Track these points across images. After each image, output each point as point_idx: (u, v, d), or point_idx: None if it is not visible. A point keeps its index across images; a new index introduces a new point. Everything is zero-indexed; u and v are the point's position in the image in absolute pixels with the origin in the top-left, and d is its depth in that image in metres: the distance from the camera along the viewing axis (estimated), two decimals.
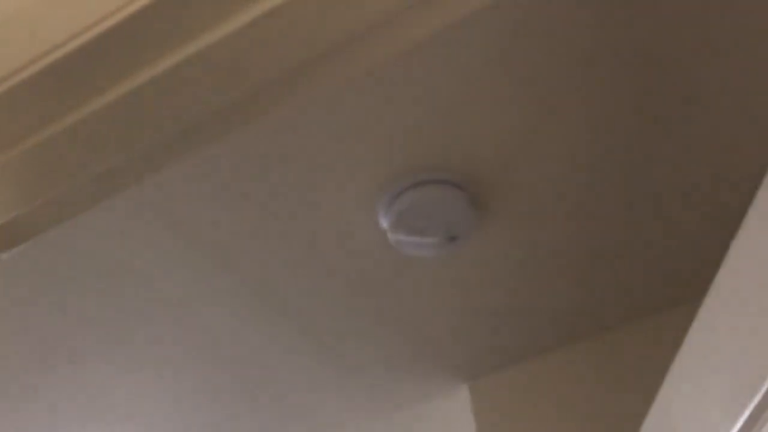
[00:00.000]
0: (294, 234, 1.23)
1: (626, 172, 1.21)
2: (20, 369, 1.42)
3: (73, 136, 0.80)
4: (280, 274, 1.30)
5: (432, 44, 0.97)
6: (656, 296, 1.46)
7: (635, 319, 1.50)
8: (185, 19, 0.78)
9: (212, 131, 0.81)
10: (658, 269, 1.40)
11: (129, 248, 1.21)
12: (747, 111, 1.14)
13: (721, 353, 0.67)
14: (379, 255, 1.29)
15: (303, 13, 0.78)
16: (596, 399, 1.44)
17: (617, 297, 1.45)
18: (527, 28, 0.98)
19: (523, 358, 1.56)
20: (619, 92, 1.08)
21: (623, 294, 1.44)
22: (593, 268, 1.38)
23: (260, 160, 1.10)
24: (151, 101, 0.77)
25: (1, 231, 0.95)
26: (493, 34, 0.98)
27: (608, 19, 0.99)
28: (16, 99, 0.83)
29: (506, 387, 1.54)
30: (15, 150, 0.86)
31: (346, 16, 0.78)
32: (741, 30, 1.02)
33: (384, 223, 1.21)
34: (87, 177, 0.84)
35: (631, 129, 1.14)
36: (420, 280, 1.35)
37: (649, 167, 1.21)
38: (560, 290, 1.41)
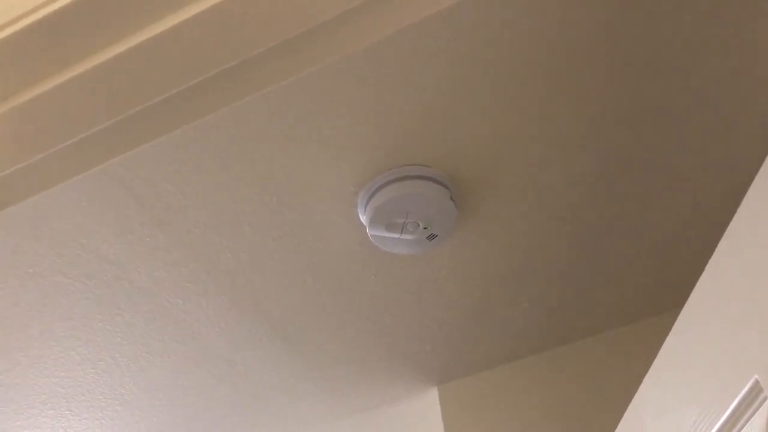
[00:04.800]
0: (267, 224, 1.20)
1: (610, 180, 1.21)
2: None
3: (53, 100, 0.77)
4: (251, 266, 1.27)
5: (420, 40, 0.96)
6: (634, 304, 1.46)
7: (610, 327, 1.50)
8: None
9: (195, 106, 0.79)
10: (637, 277, 1.40)
11: (100, 235, 1.17)
12: (733, 125, 1.14)
13: (701, 358, 0.67)
14: (358, 251, 1.26)
15: None
16: (567, 406, 1.43)
17: (593, 305, 1.45)
18: (517, 28, 0.97)
19: (494, 363, 1.55)
20: (607, 100, 1.08)
21: (599, 302, 1.44)
22: (571, 275, 1.37)
23: (239, 142, 1.07)
24: (134, 71, 0.75)
25: None
26: (483, 35, 0.97)
27: (599, 22, 0.99)
28: None
29: (475, 391, 1.53)
30: None
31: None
32: (733, 36, 1.03)
33: (363, 218, 1.19)
34: (65, 145, 0.81)
35: (619, 136, 1.14)
36: (397, 279, 1.33)
37: (633, 176, 1.21)
38: (536, 296, 1.41)
